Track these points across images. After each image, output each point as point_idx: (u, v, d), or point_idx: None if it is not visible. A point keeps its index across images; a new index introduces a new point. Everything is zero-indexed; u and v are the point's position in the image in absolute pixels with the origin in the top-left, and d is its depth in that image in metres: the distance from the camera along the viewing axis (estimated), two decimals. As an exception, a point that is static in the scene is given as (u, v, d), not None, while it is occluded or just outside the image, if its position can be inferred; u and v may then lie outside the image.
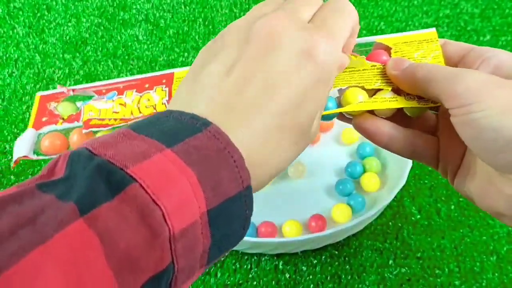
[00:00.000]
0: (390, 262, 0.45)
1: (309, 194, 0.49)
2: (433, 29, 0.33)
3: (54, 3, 0.69)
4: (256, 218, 0.46)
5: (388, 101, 0.33)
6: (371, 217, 0.44)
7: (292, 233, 0.45)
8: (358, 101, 0.33)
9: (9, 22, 0.67)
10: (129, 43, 0.64)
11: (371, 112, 0.34)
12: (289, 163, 0.28)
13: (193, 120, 0.24)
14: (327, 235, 0.42)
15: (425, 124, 0.34)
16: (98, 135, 0.35)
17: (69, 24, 0.67)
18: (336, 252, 0.46)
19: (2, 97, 0.59)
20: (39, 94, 0.36)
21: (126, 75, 0.61)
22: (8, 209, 0.20)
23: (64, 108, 0.36)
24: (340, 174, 0.50)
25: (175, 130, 0.24)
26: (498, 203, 0.28)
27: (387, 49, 0.35)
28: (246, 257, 0.45)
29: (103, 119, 0.35)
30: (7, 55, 0.63)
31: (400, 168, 0.46)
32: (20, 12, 0.68)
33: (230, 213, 0.24)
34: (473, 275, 0.44)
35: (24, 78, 0.61)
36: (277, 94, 0.26)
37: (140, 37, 0.65)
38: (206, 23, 0.67)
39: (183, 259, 0.22)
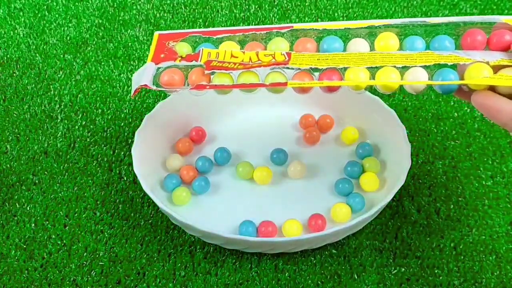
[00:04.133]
0: (390, 261, 0.45)
1: (309, 194, 0.49)
2: None
3: (54, 3, 0.69)
4: (256, 218, 0.46)
5: None
6: (371, 216, 0.44)
7: (292, 232, 0.45)
8: (482, 76, 0.33)
9: (10, 23, 0.67)
10: (130, 44, 0.64)
11: (492, 89, 0.33)
12: None
13: None
14: (327, 234, 0.42)
15: None
16: (217, 77, 0.37)
17: (70, 24, 0.67)
18: (336, 252, 0.46)
19: (3, 97, 0.59)
20: (157, 33, 0.38)
21: (127, 76, 0.61)
22: None
23: (180, 48, 0.38)
24: (339, 173, 0.50)
25: None
26: None
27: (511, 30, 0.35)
28: (246, 257, 0.45)
29: (223, 62, 0.37)
30: (8, 56, 0.63)
31: (399, 168, 0.47)
32: (21, 13, 0.68)
33: None
34: (472, 274, 0.44)
35: (25, 78, 0.61)
36: None
37: (141, 38, 0.65)
38: (206, 23, 0.67)
39: None
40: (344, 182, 0.48)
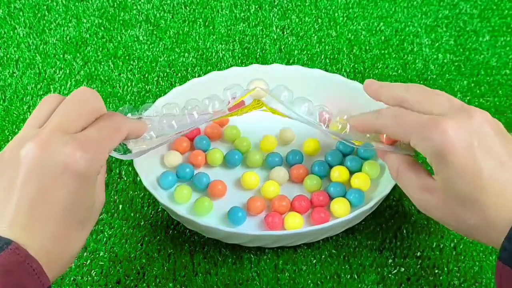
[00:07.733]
0: (390, 261, 0.45)
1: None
2: None
3: (54, 3, 0.69)
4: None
5: None
6: (370, 209, 0.44)
7: (294, 225, 0.45)
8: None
9: (9, 22, 0.67)
10: (130, 44, 0.64)
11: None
12: (83, 243, 0.35)
13: None
14: (326, 227, 0.42)
15: None
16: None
17: (70, 24, 0.67)
18: (336, 252, 0.46)
19: (3, 97, 0.59)
20: None
21: (127, 76, 0.61)
22: None
23: None
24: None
25: None
26: None
27: None
28: (246, 257, 0.45)
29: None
30: (8, 56, 0.63)
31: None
32: (21, 13, 0.68)
33: None
34: (472, 274, 0.44)
35: (25, 78, 0.61)
36: (49, 209, 0.32)
37: (141, 38, 0.65)
38: (207, 23, 0.67)
39: None
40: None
